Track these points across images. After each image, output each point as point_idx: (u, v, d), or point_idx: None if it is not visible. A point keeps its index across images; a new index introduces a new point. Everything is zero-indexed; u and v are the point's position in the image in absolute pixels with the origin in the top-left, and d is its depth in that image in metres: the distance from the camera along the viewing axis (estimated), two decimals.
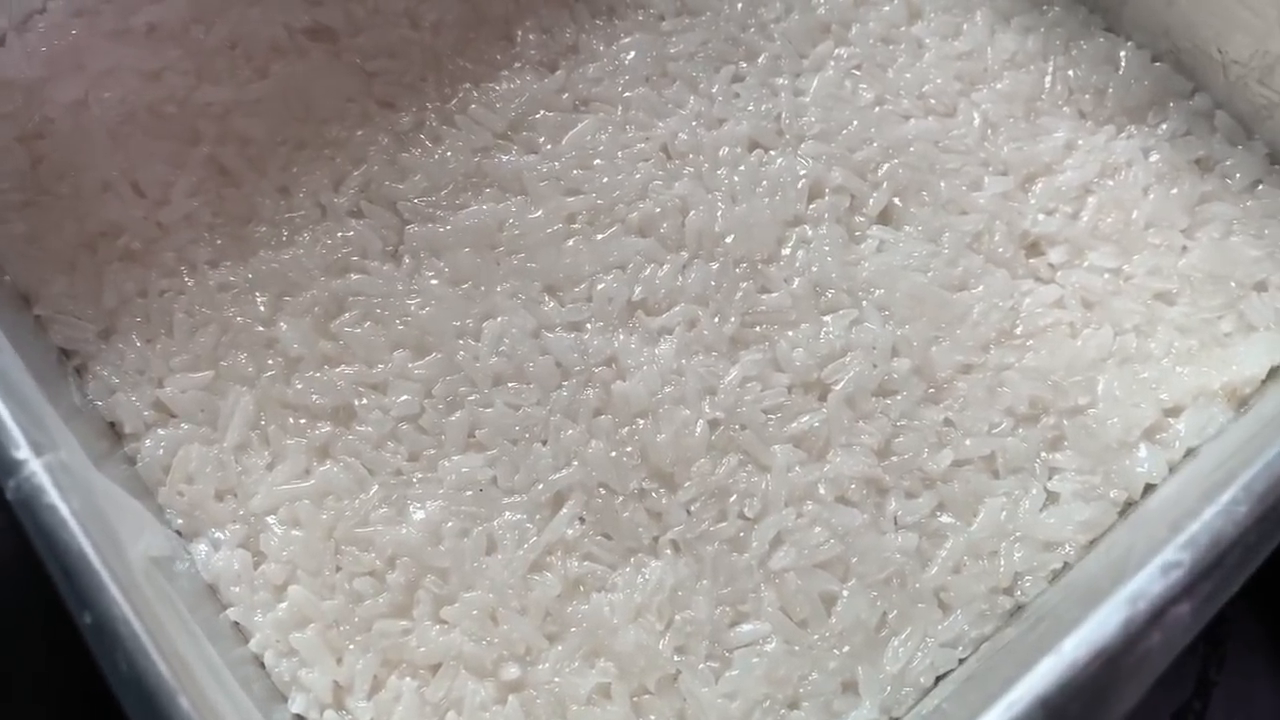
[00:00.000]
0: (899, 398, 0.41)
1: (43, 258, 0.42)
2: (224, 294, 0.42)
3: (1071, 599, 0.36)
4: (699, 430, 0.40)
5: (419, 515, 0.39)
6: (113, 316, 0.41)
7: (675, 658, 0.37)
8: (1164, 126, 0.46)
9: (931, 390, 0.41)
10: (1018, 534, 0.39)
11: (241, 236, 0.43)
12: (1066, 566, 0.39)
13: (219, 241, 0.43)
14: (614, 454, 0.40)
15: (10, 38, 0.46)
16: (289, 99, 0.45)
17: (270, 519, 0.38)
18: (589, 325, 0.42)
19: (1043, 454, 0.40)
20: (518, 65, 0.46)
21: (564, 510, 0.39)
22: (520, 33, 0.47)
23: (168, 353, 0.41)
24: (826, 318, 0.42)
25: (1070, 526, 0.39)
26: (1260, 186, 0.45)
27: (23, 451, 0.28)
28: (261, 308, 0.41)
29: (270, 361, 0.41)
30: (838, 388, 0.41)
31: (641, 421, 0.40)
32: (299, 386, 0.40)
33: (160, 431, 0.39)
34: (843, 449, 0.40)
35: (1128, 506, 0.40)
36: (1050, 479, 0.40)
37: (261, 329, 0.41)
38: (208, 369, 0.40)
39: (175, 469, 0.39)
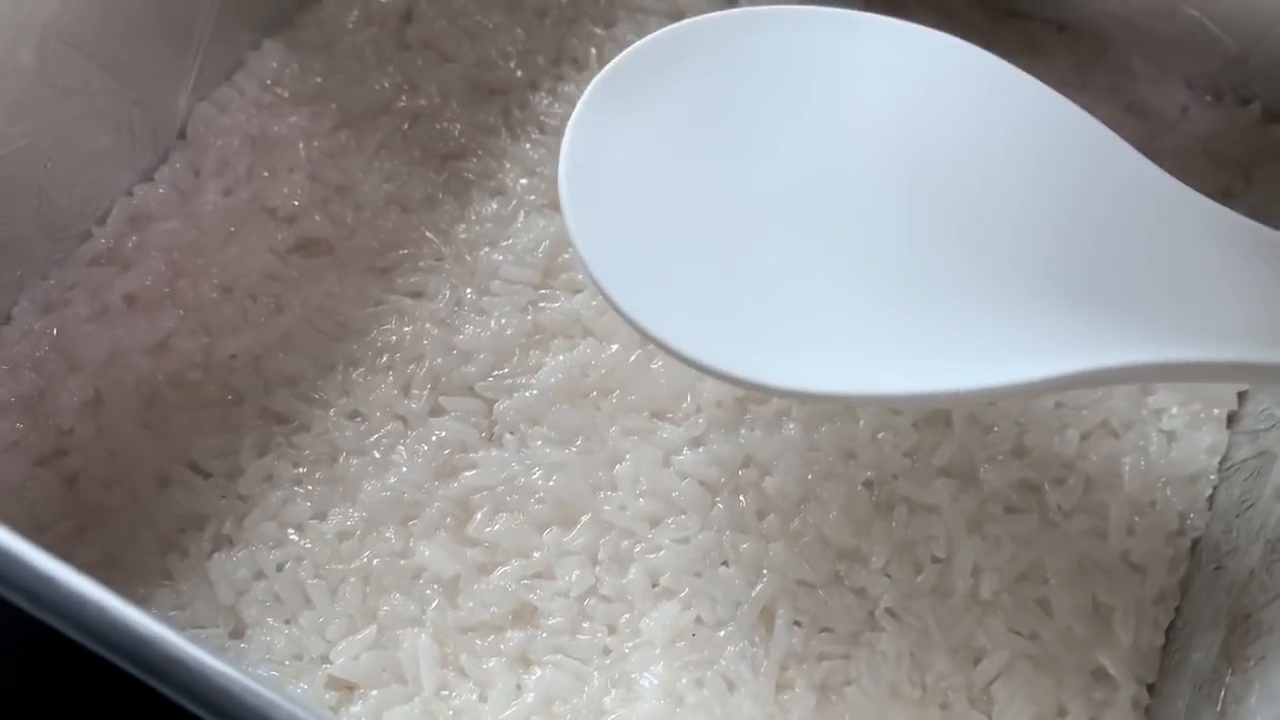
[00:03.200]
0: (1008, 399, 0.43)
1: (129, 579, 0.38)
2: (347, 542, 0.39)
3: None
4: (861, 496, 0.41)
5: (649, 684, 0.37)
6: (237, 611, 0.38)
7: (943, 718, 0.37)
8: (1091, 83, 0.51)
9: None
10: (1163, 478, 0.42)
11: (336, 477, 0.40)
12: (1215, 491, 0.42)
13: (315, 490, 0.39)
14: (796, 549, 0.40)
15: None
16: (317, 322, 0.42)
17: None
18: (711, 435, 0.42)
19: (1144, 400, 0.43)
20: (523, 214, 0.46)
21: (778, 621, 0.38)
22: (510, 182, 0.46)
23: (317, 625, 0.37)
24: None
25: (1201, 454, 0.42)
26: (1189, 111, 0.51)
27: None
28: (392, 540, 0.39)
29: (429, 592, 0.38)
30: (956, 409, 0.42)
31: (805, 507, 0.40)
32: (470, 606, 0.38)
33: (353, 709, 0.36)
34: (988, 463, 0.41)
35: (1231, 418, 0.43)
36: (1160, 421, 0.43)
37: (404, 562, 0.38)
38: (368, 625, 0.37)
39: None
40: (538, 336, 0.43)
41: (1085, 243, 0.34)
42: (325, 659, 0.37)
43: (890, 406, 0.42)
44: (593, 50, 0.49)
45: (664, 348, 0.33)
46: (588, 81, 0.36)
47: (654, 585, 0.39)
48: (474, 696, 0.37)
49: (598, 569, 0.39)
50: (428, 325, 0.43)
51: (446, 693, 0.37)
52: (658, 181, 0.35)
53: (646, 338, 0.33)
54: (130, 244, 0.43)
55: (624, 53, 0.37)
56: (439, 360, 0.42)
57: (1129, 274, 0.34)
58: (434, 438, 0.41)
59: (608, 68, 0.36)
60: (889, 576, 0.39)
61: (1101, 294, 0.33)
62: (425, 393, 0.41)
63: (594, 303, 0.43)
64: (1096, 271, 0.34)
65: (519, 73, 0.48)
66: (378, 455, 0.40)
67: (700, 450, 0.41)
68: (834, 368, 0.33)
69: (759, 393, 0.34)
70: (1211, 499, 0.42)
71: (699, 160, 0.35)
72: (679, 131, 0.36)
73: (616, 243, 0.34)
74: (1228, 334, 0.33)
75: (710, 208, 0.35)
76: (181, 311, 0.42)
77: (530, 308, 0.43)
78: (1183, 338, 0.33)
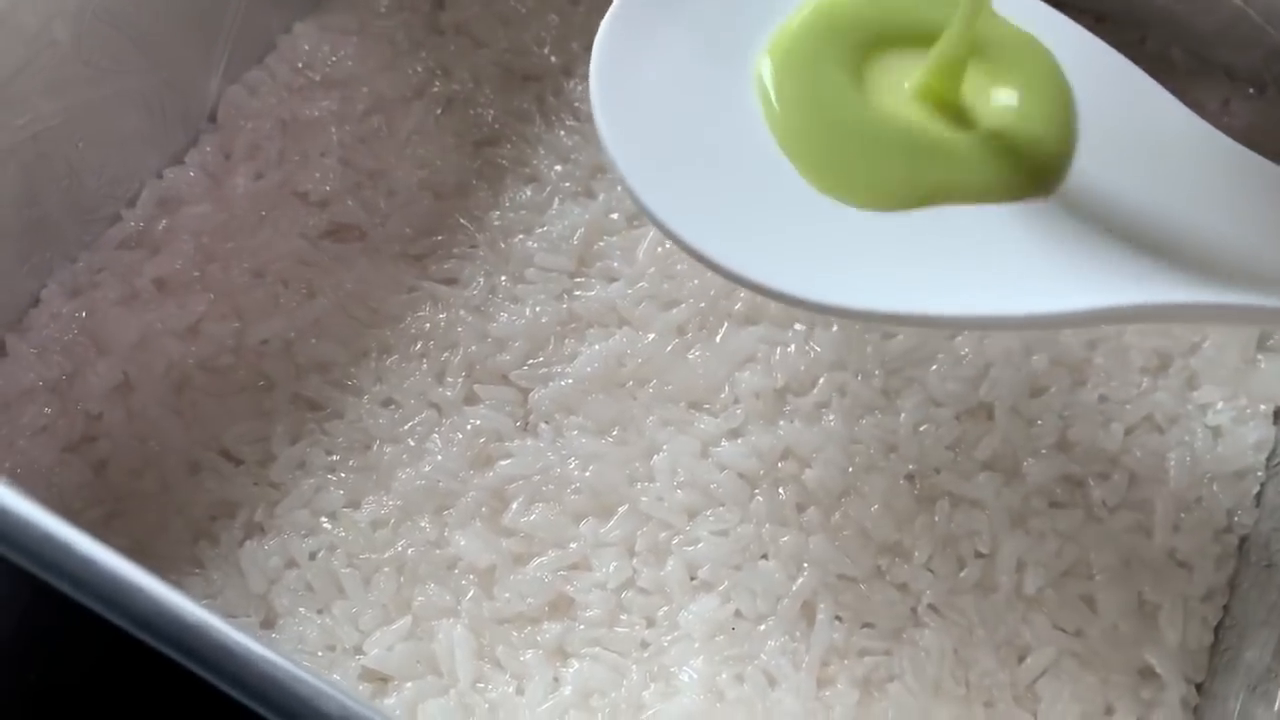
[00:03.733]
0: (1052, 392, 0.42)
1: (159, 568, 0.37)
2: (381, 531, 0.38)
3: None
4: (903, 489, 0.40)
5: (688, 678, 0.36)
6: (269, 601, 0.37)
7: (987, 716, 0.37)
8: None
9: (1074, 374, 0.43)
10: (1208, 474, 0.41)
11: (369, 465, 0.39)
12: (1263, 487, 0.41)
13: (348, 478, 0.39)
14: (837, 543, 0.39)
15: (11, 342, 0.40)
16: (350, 308, 0.42)
17: None
18: (750, 427, 0.41)
19: (1189, 395, 0.43)
20: (557, 201, 0.45)
21: (819, 616, 0.38)
22: (544, 169, 0.46)
23: (350, 615, 0.37)
24: (956, 339, 0.43)
25: (1248, 450, 0.41)
26: (1230, 104, 0.50)
27: None
28: (427, 529, 0.38)
29: (464, 582, 0.37)
30: (999, 402, 0.42)
31: (846, 500, 0.40)
32: (506, 596, 0.37)
33: (387, 702, 0.35)
34: (1032, 457, 0.41)
35: (1278, 414, 0.43)
36: (1206, 416, 0.42)
37: (439, 552, 0.38)
38: (402, 616, 0.37)
39: None
40: (573, 325, 0.42)
41: (1133, 187, 0.34)
42: (359, 650, 0.36)
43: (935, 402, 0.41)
44: None
45: (700, 258, 0.32)
46: None
47: (692, 578, 0.38)
48: (510, 689, 0.36)
49: (635, 561, 0.38)
50: (462, 312, 0.42)
51: (482, 685, 0.36)
52: (694, 85, 0.34)
53: (682, 248, 0.32)
54: (160, 227, 0.42)
55: None
56: (473, 348, 0.41)
57: (1178, 219, 0.33)
58: (469, 426, 0.40)
59: None
60: (931, 571, 0.39)
61: (1148, 236, 0.33)
62: (460, 380, 0.41)
63: (629, 291, 0.43)
64: (1143, 214, 0.33)
65: (553, 59, 0.48)
66: (412, 443, 0.40)
67: (739, 441, 0.40)
68: (873, 288, 0.31)
69: (795, 307, 0.32)
70: (1259, 496, 0.41)
71: (739, 64, 0.34)
72: (720, 32, 0.35)
73: (650, 148, 0.33)
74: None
75: (751, 116, 0.34)
76: (212, 296, 0.41)
77: (565, 295, 0.43)
78: (1233, 282, 0.32)
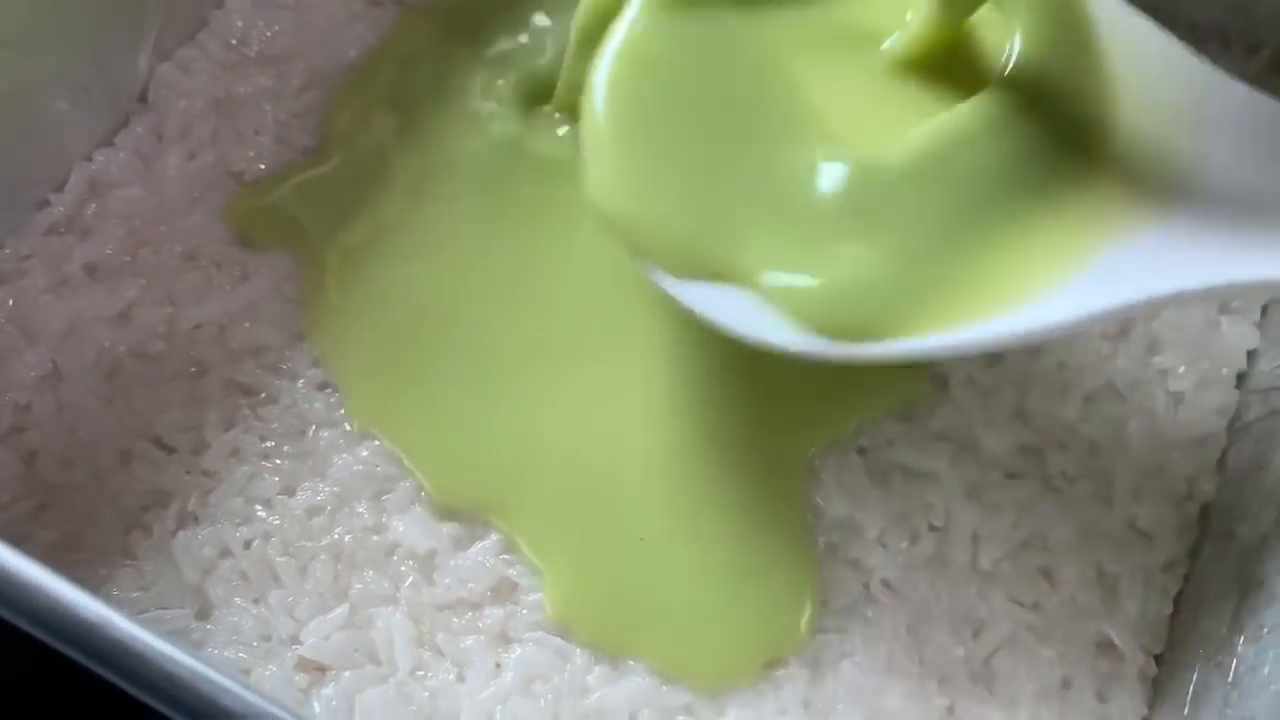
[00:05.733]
0: (1008, 360, 0.41)
1: (91, 560, 0.36)
2: (317, 518, 0.37)
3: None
4: (854, 463, 0.39)
5: (634, 661, 0.36)
6: (203, 591, 0.36)
7: (941, 693, 0.36)
8: None
9: None
10: (1169, 441, 0.40)
11: (305, 451, 0.38)
12: (1224, 454, 0.40)
13: (284, 464, 0.38)
14: None
15: None
16: (285, 289, 0.41)
17: None
18: None
19: (1150, 360, 0.42)
20: None
21: None
22: None
23: (287, 605, 0.36)
24: None
25: (1210, 415, 0.40)
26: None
27: None
28: (365, 515, 0.37)
29: (403, 568, 0.36)
30: (953, 373, 0.41)
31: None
32: (446, 582, 0.36)
33: (324, 692, 0.35)
34: (985, 427, 0.40)
35: (1240, 377, 0.42)
36: (1167, 381, 0.41)
37: (377, 538, 0.37)
38: (339, 604, 0.36)
39: None
40: None
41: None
42: (295, 639, 0.35)
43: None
44: None
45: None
46: None
47: None
48: (451, 676, 0.35)
49: None
50: None
51: (422, 673, 0.35)
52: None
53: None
54: (90, 211, 0.41)
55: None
56: None
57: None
58: None
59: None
60: (884, 547, 0.38)
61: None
62: None
63: None
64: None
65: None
66: (348, 428, 0.39)
67: None
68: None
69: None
70: (1221, 462, 0.40)
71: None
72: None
73: None
74: None
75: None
76: (144, 280, 0.40)
77: None
78: None
